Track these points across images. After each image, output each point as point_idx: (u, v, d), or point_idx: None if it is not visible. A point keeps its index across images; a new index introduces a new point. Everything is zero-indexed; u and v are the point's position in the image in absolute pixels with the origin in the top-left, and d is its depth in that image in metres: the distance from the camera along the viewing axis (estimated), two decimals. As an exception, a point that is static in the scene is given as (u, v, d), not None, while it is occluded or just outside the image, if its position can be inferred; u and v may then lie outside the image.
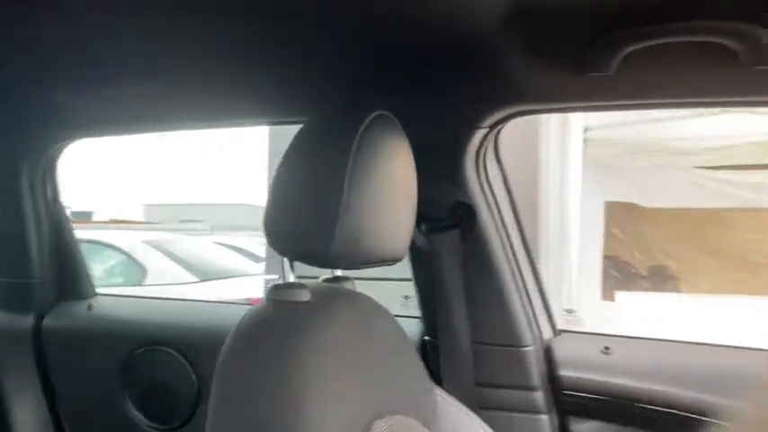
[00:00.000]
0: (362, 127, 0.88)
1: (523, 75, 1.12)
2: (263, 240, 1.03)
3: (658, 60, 1.02)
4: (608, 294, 4.83)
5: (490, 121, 1.22)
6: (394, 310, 1.12)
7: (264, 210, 0.95)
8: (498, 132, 1.29)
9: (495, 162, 1.33)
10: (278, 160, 0.95)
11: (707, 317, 4.05)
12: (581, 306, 3.76)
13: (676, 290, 5.33)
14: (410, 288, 1.44)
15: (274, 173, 0.94)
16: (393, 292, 1.67)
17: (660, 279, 5.77)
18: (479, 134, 1.23)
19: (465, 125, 1.22)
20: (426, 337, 1.43)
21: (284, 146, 0.96)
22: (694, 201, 4.86)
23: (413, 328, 1.45)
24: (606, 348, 1.34)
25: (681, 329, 3.84)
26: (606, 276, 5.06)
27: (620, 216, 5.16)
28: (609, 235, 5.06)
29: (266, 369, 0.83)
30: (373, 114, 0.90)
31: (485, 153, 1.28)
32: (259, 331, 0.89)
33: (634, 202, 4.99)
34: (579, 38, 1.03)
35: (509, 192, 1.36)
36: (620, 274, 5.67)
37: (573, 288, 3.80)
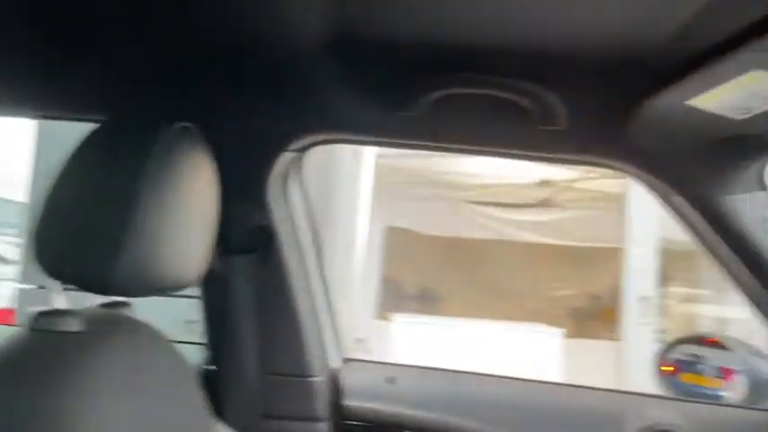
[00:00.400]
0: (162, 137, 0.80)
1: (338, 104, 1.12)
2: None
3: (464, 108, 1.08)
4: (383, 314, 5.07)
5: (299, 145, 1.19)
6: (176, 334, 1.03)
7: (34, 221, 0.81)
8: (302, 158, 1.26)
9: (298, 186, 1.30)
10: (46, 160, 0.81)
11: (466, 339, 4.43)
12: (358, 325, 3.87)
13: (441, 312, 5.79)
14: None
15: (41, 173, 0.81)
16: (176, 314, 1.54)
17: (427, 301, 6.22)
18: (287, 157, 1.20)
19: (274, 147, 1.18)
20: (210, 367, 1.34)
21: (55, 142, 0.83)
22: (462, 231, 5.33)
23: (196, 355, 1.35)
24: (391, 378, 1.37)
25: (444, 350, 4.15)
26: (381, 297, 5.32)
27: (398, 240, 5.47)
28: (386, 258, 5.34)
29: (25, 411, 0.70)
30: (177, 125, 0.82)
31: (290, 176, 1.25)
32: (18, 367, 0.75)
33: (411, 228, 5.34)
34: (394, 77, 1.06)
35: (310, 217, 1.34)
36: (393, 295, 5.99)
37: (352, 307, 3.90)
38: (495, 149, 1.19)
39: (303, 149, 1.21)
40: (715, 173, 1.12)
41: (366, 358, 1.48)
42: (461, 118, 1.12)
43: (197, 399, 0.99)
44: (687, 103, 0.93)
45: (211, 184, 0.90)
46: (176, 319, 1.50)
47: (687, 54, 0.87)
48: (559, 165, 1.28)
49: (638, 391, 1.46)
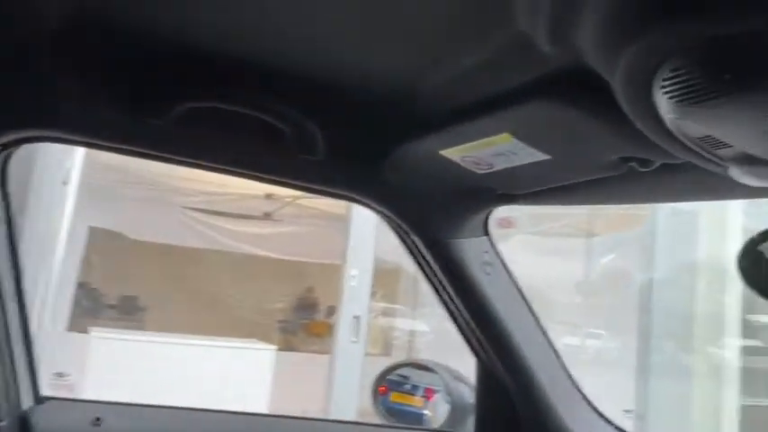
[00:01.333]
0: None
1: (64, 99, 0.94)
2: None
3: (218, 124, 0.99)
4: (76, 325, 4.51)
5: (4, 140, 0.96)
6: None
7: None
8: (10, 155, 1.03)
9: (-2, 188, 1.05)
10: None
11: (173, 356, 4.16)
12: (47, 338, 3.36)
13: (146, 325, 5.37)
14: None
15: None
16: None
17: (130, 312, 5.74)
18: None
19: None
20: None
21: None
22: (178, 239, 5.03)
23: None
24: (97, 419, 1.18)
25: (148, 368, 3.85)
26: (76, 305, 4.74)
27: (102, 244, 4.94)
28: (86, 262, 4.78)
29: None
30: None
31: None
32: None
33: (120, 231, 4.86)
34: (139, 79, 0.93)
35: (10, 226, 1.09)
36: (91, 302, 5.39)
37: (41, 317, 3.38)
38: (250, 172, 1.11)
39: (9, 146, 0.98)
40: (448, 218, 1.20)
41: (66, 395, 1.26)
42: (215, 134, 1.02)
43: None
44: (441, 152, 0.97)
45: None
46: None
47: (449, 107, 0.91)
48: (315, 195, 1.26)
49: (356, 420, 1.50)
